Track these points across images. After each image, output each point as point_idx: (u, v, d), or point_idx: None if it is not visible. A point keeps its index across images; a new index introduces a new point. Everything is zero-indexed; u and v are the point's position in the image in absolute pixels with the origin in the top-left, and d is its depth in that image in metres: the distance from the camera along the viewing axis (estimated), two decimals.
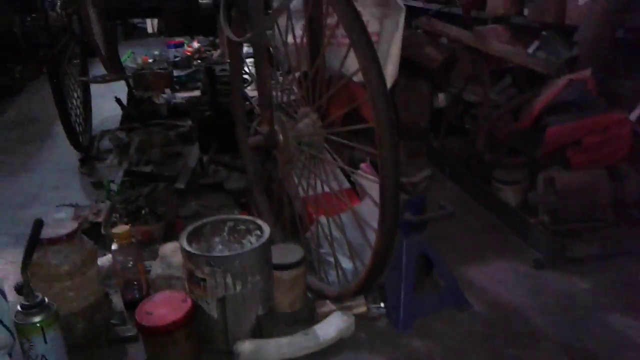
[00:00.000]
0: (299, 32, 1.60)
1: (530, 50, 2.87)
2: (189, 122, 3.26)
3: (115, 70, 1.97)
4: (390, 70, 1.43)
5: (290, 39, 1.55)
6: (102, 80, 1.96)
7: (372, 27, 1.53)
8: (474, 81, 2.82)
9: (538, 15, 2.69)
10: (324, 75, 1.51)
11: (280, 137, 1.53)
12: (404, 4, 1.39)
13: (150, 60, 4.75)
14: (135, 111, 3.14)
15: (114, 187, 2.27)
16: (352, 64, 1.25)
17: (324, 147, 1.55)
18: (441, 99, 2.86)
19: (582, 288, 1.65)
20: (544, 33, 2.83)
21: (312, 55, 1.54)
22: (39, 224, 1.16)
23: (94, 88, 3.28)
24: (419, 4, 3.90)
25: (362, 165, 1.72)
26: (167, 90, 4.00)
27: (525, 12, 2.88)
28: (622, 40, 2.25)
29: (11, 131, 3.47)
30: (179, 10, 2.20)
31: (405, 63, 2.54)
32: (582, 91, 1.94)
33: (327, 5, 1.35)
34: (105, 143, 3.08)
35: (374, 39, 1.52)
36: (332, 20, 1.37)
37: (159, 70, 4.12)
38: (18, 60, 4.72)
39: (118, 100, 3.19)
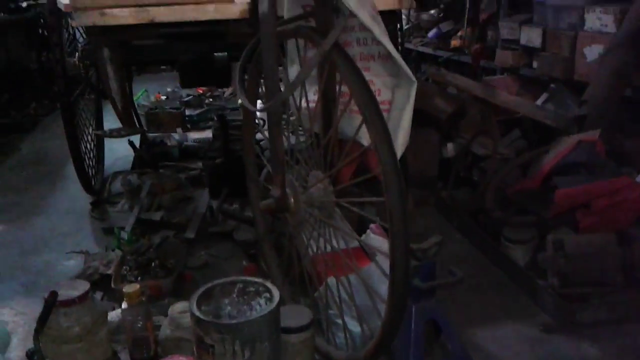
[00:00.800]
0: (312, 95, 1.63)
1: (539, 102, 2.91)
2: (200, 164, 3.31)
3: (131, 124, 2.01)
4: (401, 140, 1.45)
5: (303, 103, 1.58)
6: (118, 134, 2.00)
7: (384, 95, 1.56)
8: (483, 132, 2.85)
9: (547, 70, 2.73)
10: (337, 143, 1.53)
11: (292, 200, 1.55)
12: (413, 75, 1.42)
13: (163, 97, 4.83)
14: (148, 154, 3.18)
15: (124, 235, 2.29)
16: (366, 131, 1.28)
17: (335, 211, 1.57)
18: (450, 148, 2.89)
19: (591, 354, 1.64)
20: (552, 86, 2.87)
21: (325, 122, 1.57)
22: (53, 297, 1.18)
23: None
24: (428, 50, 3.96)
25: (372, 225, 1.73)
26: (179, 130, 4.06)
27: (534, 64, 2.92)
28: (631, 99, 2.27)
29: (24, 170, 3.51)
30: (195, 63, 2.24)
31: (415, 112, 2.57)
32: (591, 153, 1.96)
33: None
34: (117, 185, 3.11)
35: (385, 106, 1.54)
36: (345, 88, 1.40)
37: (171, 110, 4.19)
38: (33, 97, 4.81)
39: (131, 144, 3.23)
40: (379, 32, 1.35)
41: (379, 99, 1.58)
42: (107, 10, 1.78)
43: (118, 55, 1.93)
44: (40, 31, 5.12)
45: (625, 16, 2.26)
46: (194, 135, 4.03)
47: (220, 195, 2.76)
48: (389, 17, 2.11)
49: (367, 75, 1.56)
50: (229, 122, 3.04)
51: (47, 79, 5.32)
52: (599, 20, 2.39)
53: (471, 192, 2.61)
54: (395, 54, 1.38)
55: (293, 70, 1.75)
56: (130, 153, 3.41)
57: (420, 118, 2.96)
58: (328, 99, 1.56)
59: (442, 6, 3.97)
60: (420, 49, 4.04)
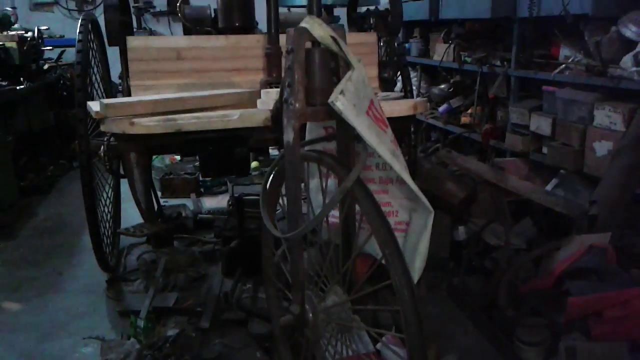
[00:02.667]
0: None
1: (549, 187, 2.96)
2: (213, 236, 3.37)
3: (153, 222, 2.08)
4: (419, 265, 1.50)
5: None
6: (140, 233, 2.05)
7: (402, 216, 1.62)
8: (494, 215, 2.90)
9: (557, 161, 2.79)
10: (357, 261, 1.58)
11: (310, 316, 1.58)
12: (430, 205, 1.47)
13: (178, 158, 4.91)
14: (163, 228, 3.23)
15: (140, 323, 2.32)
16: None
17: (352, 318, 1.60)
18: (461, 231, 2.93)
19: None
20: (562, 171, 2.92)
21: (345, 239, 1.61)
22: None
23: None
24: (439, 124, 4.04)
25: (387, 336, 1.76)
26: (193, 195, 4.14)
27: (544, 149, 2.98)
28: None
29: (41, 238, 3.57)
30: (216, 155, 2.31)
31: (426, 195, 2.61)
32: (602, 260, 1.99)
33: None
34: (132, 260, 3.16)
35: (402, 227, 1.60)
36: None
37: (185, 176, 4.27)
38: (50, 158, 4.91)
39: None
40: (399, 167, 1.41)
41: (396, 219, 1.64)
42: (136, 120, 1.86)
43: (144, 160, 2.01)
44: (59, 91, 5.28)
45: (635, 117, 2.33)
46: (208, 201, 4.10)
47: (235, 274, 2.80)
48: (405, 122, 2.20)
49: (385, 198, 1.63)
50: (245, 201, 3.10)
51: (64, 137, 5.46)
52: (607, 117, 2.46)
53: (483, 280, 2.63)
54: (413, 187, 1.43)
55: (314, 183, 1.82)
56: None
57: (432, 201, 3.02)
58: (348, 218, 1.61)
59: (452, 81, 4.07)
60: (431, 121, 4.13)
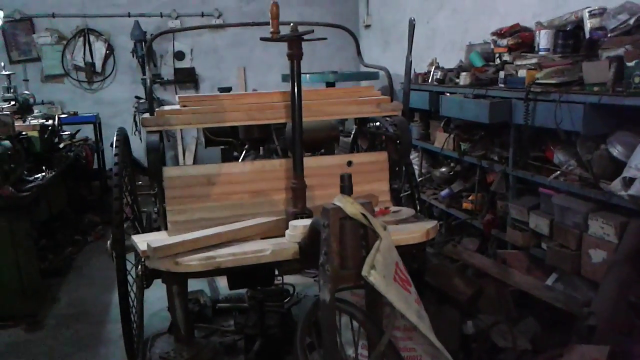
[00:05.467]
0: (361, 349, 1.89)
1: (549, 282, 3.16)
2: (232, 325, 3.53)
3: (191, 345, 2.26)
4: None
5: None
6: (180, 357, 2.24)
7: None
8: (499, 310, 3.10)
9: (554, 261, 3.00)
10: None
11: None
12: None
13: None
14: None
15: None
16: None
17: None
18: (469, 325, 3.12)
19: None
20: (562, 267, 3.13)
21: None
22: None
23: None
24: (441, 207, 4.26)
25: None
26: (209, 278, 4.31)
27: (543, 245, 3.20)
28: (636, 304, 2.52)
29: (66, 329, 3.71)
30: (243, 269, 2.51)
31: (434, 291, 2.80)
32: None
33: None
34: (156, 352, 3.32)
35: None
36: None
37: None
38: (66, 237, 5.08)
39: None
40: (425, 328, 1.62)
41: None
42: (180, 260, 2.07)
43: (183, 290, 2.21)
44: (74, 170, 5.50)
45: (626, 231, 2.56)
46: (223, 280, 4.25)
47: None
48: (418, 246, 2.42)
49: (410, 344, 1.83)
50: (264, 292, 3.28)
51: (77, 211, 5.66)
52: (601, 228, 2.69)
53: None
54: (437, 344, 1.64)
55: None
56: (164, 306, 3.63)
57: (440, 296, 3.23)
58: None
59: (452, 165, 4.32)
60: (434, 202, 4.36)
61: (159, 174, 2.40)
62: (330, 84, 6.02)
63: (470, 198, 3.95)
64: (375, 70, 6.15)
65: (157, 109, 2.49)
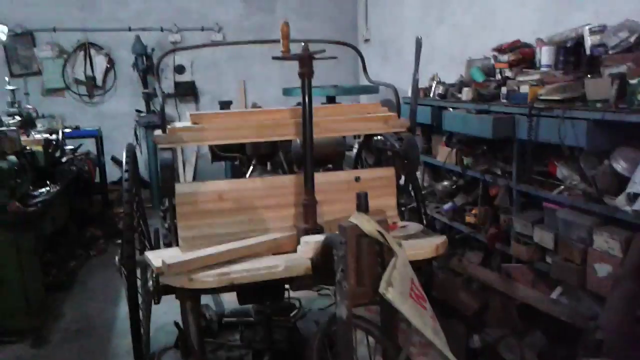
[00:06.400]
0: None
1: (554, 295, 3.19)
2: (238, 339, 3.55)
3: None
4: None
5: None
6: None
7: None
8: (505, 323, 3.13)
9: (560, 275, 3.03)
10: None
11: None
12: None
13: None
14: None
15: None
16: None
17: None
18: (476, 339, 3.14)
19: None
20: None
21: None
22: None
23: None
24: (444, 220, 4.30)
25: None
26: None
27: (548, 259, 3.23)
28: None
29: (73, 343, 3.71)
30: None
31: (440, 304, 2.82)
32: None
33: None
34: None
35: None
36: None
37: None
38: (69, 251, 5.09)
39: (177, 325, 3.49)
40: (441, 344, 1.65)
41: None
42: (194, 276, 2.10)
43: (197, 306, 2.23)
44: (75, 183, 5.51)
45: (631, 246, 2.60)
46: (227, 295, 4.27)
47: None
48: (427, 262, 2.45)
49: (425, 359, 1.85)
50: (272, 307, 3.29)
51: (78, 224, 5.66)
52: (606, 243, 2.73)
53: None
54: (452, 358, 1.67)
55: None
56: (169, 320, 3.65)
57: (446, 310, 3.25)
58: None
59: (454, 179, 4.37)
60: (436, 216, 4.40)
61: (172, 191, 2.43)
62: (330, 98, 6.07)
63: (473, 212, 3.99)
64: (375, 84, 6.27)
65: (168, 127, 2.52)
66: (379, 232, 1.70)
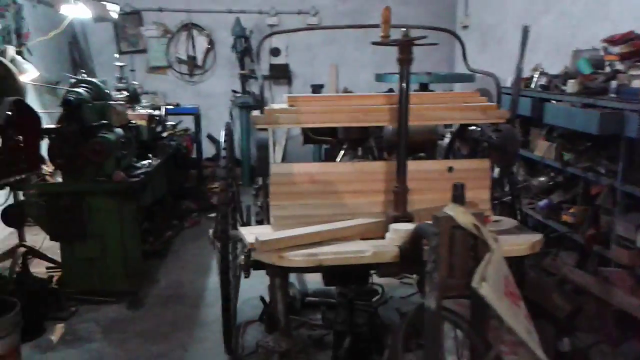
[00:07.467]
0: None
1: None
2: (320, 319, 3.62)
3: (290, 336, 2.35)
4: None
5: None
6: (279, 348, 2.32)
7: None
8: (599, 328, 2.97)
9: None
10: None
11: None
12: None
13: None
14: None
15: None
16: None
17: None
18: (566, 342, 3.01)
19: None
20: None
21: None
22: None
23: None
24: (538, 217, 4.12)
25: None
26: None
27: None
28: None
29: (166, 308, 3.94)
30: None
31: (531, 305, 2.72)
32: None
33: None
34: (249, 339, 3.45)
35: None
36: None
37: None
38: (165, 221, 5.37)
39: (262, 299, 3.61)
40: (534, 345, 1.60)
41: None
42: (285, 254, 2.16)
43: (285, 283, 2.29)
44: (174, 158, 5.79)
45: None
46: (309, 275, 4.36)
47: None
48: (521, 261, 2.37)
49: (514, 359, 1.80)
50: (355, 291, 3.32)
51: (175, 196, 5.96)
52: None
53: None
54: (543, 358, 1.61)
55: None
56: (255, 295, 3.78)
57: (536, 311, 3.13)
58: None
59: (552, 174, 4.17)
60: (530, 212, 4.22)
61: (267, 170, 2.50)
62: (423, 85, 5.96)
63: (570, 210, 3.79)
64: (471, 73, 6.07)
65: (265, 108, 2.58)
66: (474, 225, 1.67)
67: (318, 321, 3.65)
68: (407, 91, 2.33)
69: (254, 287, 3.70)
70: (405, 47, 2.29)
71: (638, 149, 3.10)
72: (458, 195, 1.74)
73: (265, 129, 2.53)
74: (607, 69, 3.68)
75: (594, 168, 3.52)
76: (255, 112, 2.60)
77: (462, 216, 1.66)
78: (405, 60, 2.30)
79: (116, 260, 4.01)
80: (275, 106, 2.72)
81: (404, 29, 2.31)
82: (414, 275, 3.56)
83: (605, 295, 3.02)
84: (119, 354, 3.36)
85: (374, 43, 2.39)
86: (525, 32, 2.57)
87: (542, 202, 4.05)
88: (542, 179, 4.22)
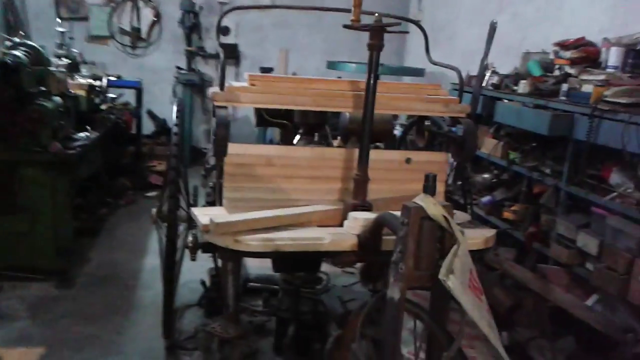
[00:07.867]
0: None
1: (590, 302, 3.12)
2: (261, 304, 3.55)
3: (237, 323, 2.27)
4: None
5: None
6: (226, 334, 2.24)
7: None
8: (535, 324, 3.07)
9: (601, 283, 2.95)
10: None
11: None
12: None
13: None
14: (217, 294, 3.41)
15: None
16: None
17: None
18: (504, 337, 3.09)
19: None
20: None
21: None
22: None
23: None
24: (481, 213, 4.21)
25: None
26: None
27: (588, 265, 3.15)
28: None
29: (98, 288, 3.74)
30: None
31: None
32: None
33: None
34: (185, 324, 3.34)
35: None
36: None
37: None
38: (98, 196, 5.11)
39: (203, 283, 3.49)
40: (494, 339, 1.60)
41: None
42: (240, 238, 2.06)
43: (237, 268, 2.20)
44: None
45: None
46: (250, 261, 4.26)
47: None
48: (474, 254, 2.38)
49: (471, 352, 1.81)
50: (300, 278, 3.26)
51: (110, 174, 5.67)
52: None
53: None
54: (505, 356, 1.61)
55: None
56: (193, 278, 3.66)
57: None
58: None
59: (496, 172, 4.26)
60: (478, 211, 4.30)
61: (225, 150, 2.38)
62: None
63: (512, 208, 3.89)
64: (421, 68, 6.13)
65: (226, 85, 2.46)
66: (444, 216, 1.64)
67: (259, 307, 3.59)
68: (375, 78, 2.28)
69: (191, 270, 3.57)
70: (377, 32, 2.23)
71: (584, 151, 3.20)
72: (429, 186, 1.71)
73: (225, 107, 2.41)
74: (557, 72, 3.79)
75: (539, 168, 3.62)
76: (215, 89, 2.48)
77: (432, 207, 1.64)
78: (376, 45, 2.25)
79: (46, 235, 3.77)
80: (236, 84, 2.61)
81: (376, 14, 2.25)
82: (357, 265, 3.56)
83: (544, 291, 3.12)
84: (46, 333, 3.16)
85: (346, 26, 2.33)
86: (492, 28, 2.58)
87: (485, 199, 4.15)
88: (486, 175, 4.31)
